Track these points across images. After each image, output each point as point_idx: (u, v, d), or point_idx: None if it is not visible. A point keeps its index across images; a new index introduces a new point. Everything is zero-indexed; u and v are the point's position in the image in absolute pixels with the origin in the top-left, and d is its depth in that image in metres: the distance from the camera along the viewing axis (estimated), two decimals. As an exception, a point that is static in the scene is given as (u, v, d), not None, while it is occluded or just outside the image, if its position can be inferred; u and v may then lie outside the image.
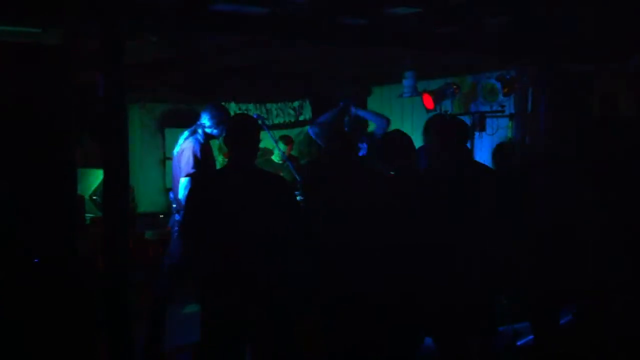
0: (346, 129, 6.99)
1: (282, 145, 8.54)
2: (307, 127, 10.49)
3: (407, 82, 8.37)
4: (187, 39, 6.39)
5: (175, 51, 7.09)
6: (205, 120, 5.97)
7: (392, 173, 4.85)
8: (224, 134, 4.58)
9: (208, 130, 5.96)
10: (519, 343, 4.99)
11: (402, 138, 4.74)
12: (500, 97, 8.00)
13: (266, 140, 8.30)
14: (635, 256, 3.91)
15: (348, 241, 3.96)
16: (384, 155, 4.75)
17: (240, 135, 4.34)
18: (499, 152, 6.50)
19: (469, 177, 4.56)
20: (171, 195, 5.88)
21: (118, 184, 4.68)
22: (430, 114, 8.26)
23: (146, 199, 8.85)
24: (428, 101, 8.56)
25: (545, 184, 4.67)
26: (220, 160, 8.07)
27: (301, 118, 10.50)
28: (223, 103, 8.29)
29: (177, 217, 5.67)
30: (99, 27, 4.62)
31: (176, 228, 5.67)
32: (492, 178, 4.64)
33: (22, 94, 4.57)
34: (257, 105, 9.96)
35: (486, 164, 5.13)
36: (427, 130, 4.82)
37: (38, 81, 4.60)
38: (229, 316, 4.22)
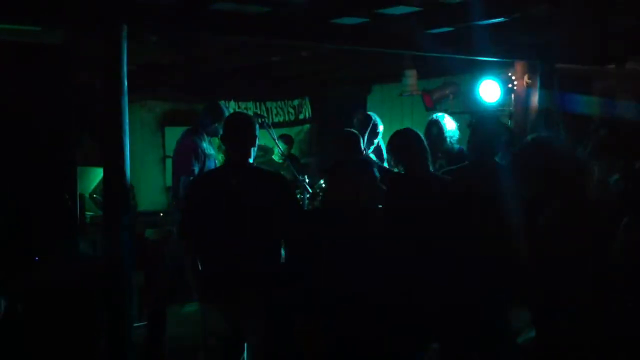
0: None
1: (282, 145, 8.54)
2: (307, 126, 10.51)
3: (407, 81, 8.38)
4: (187, 38, 6.40)
5: (175, 50, 7.10)
6: (205, 118, 5.99)
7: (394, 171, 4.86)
8: (221, 132, 4.58)
9: (208, 129, 5.98)
10: (519, 342, 4.99)
11: (407, 136, 4.70)
12: (500, 95, 7.99)
13: (266, 139, 8.31)
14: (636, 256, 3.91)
15: (349, 241, 3.95)
16: (390, 152, 4.74)
17: (236, 133, 4.32)
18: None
19: (475, 176, 4.55)
20: (171, 193, 5.89)
21: (118, 183, 4.67)
22: (430, 113, 8.28)
23: (146, 198, 8.85)
24: (428, 100, 8.56)
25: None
26: (220, 159, 8.07)
27: (301, 117, 10.50)
28: (223, 102, 8.31)
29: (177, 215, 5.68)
30: (99, 27, 4.62)
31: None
32: (499, 177, 4.60)
33: (22, 93, 4.57)
34: (257, 104, 9.96)
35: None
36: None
37: (38, 81, 4.60)
38: (229, 316, 4.22)
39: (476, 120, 5.10)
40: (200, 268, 4.26)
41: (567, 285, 3.78)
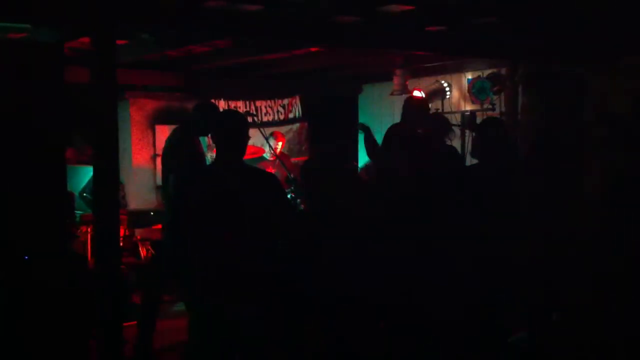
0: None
1: (272, 142, 8.50)
2: (297, 124, 10.49)
3: (397, 81, 8.37)
4: (179, 36, 6.37)
5: (166, 48, 7.06)
6: (196, 117, 5.95)
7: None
8: (213, 131, 4.55)
9: (197, 127, 5.94)
10: (518, 343, 4.99)
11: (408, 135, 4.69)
12: (491, 95, 8.00)
13: (256, 137, 8.26)
14: (636, 255, 3.91)
15: (348, 241, 3.94)
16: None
17: (231, 131, 4.28)
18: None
19: (473, 174, 4.55)
20: (161, 192, 5.85)
21: (109, 181, 4.63)
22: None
23: (137, 197, 8.80)
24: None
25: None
26: (209, 158, 8.04)
27: (291, 116, 10.46)
28: (213, 100, 8.28)
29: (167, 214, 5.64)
30: (95, 27, 4.57)
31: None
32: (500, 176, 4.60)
33: (13, 91, 4.51)
34: (247, 102, 9.92)
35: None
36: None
37: (30, 78, 4.54)
38: (219, 317, 4.15)
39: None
40: (188, 268, 4.20)
41: (566, 285, 3.79)
